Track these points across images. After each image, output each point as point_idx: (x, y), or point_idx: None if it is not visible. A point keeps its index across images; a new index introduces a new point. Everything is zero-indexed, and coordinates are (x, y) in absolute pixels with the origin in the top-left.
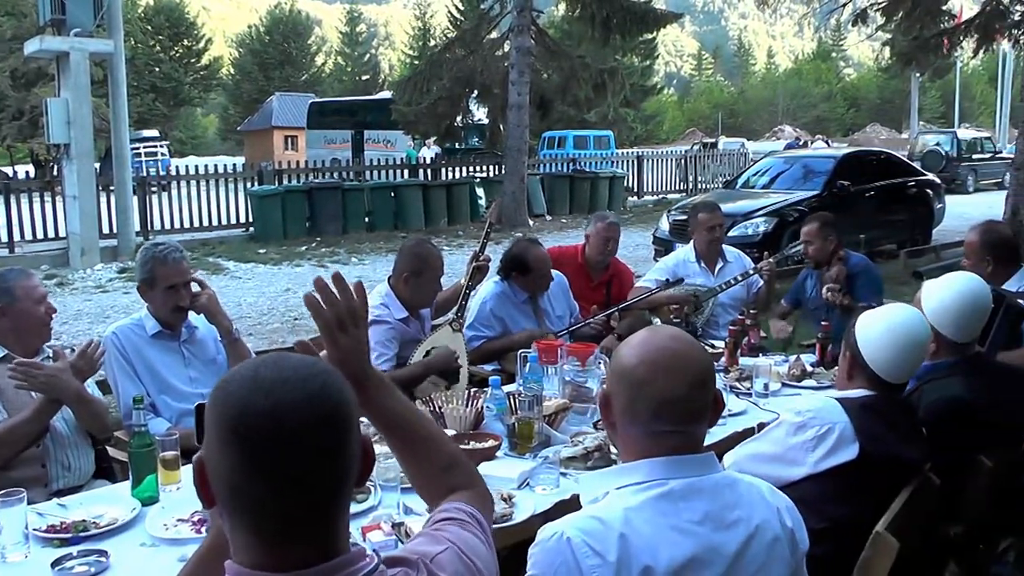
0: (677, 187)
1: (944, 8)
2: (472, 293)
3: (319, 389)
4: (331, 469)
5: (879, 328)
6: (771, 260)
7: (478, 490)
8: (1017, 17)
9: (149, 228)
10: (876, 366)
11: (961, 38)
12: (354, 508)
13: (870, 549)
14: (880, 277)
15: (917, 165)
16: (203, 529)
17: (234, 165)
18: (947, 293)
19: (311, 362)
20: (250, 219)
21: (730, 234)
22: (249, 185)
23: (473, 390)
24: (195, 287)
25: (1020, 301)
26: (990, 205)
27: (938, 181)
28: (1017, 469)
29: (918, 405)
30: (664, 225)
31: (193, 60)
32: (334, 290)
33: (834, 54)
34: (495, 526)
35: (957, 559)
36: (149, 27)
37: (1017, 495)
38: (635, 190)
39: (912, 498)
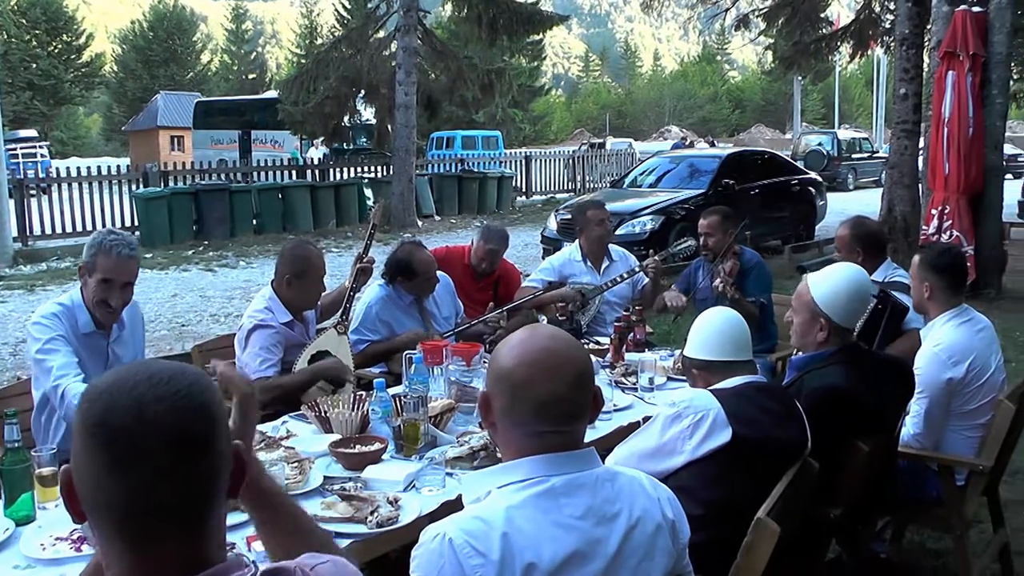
0: (565, 187)
1: (822, 16)
2: (357, 295)
3: (186, 387)
4: (198, 465)
5: (834, 284)
6: (656, 259)
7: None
8: (888, 25)
9: (28, 233)
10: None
11: (839, 44)
12: (240, 517)
13: (752, 534)
14: (771, 275)
15: (800, 164)
16: (83, 548)
17: (118, 166)
18: (836, 281)
19: (180, 364)
20: (135, 223)
21: (617, 232)
22: (134, 187)
23: (360, 393)
24: None
25: (896, 294)
26: (868, 202)
27: (820, 179)
28: (891, 453)
29: (799, 393)
30: (552, 224)
31: (73, 56)
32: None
33: (719, 57)
34: (380, 529)
35: (838, 539)
36: (24, 20)
37: (891, 477)
38: (524, 190)
39: (793, 483)
